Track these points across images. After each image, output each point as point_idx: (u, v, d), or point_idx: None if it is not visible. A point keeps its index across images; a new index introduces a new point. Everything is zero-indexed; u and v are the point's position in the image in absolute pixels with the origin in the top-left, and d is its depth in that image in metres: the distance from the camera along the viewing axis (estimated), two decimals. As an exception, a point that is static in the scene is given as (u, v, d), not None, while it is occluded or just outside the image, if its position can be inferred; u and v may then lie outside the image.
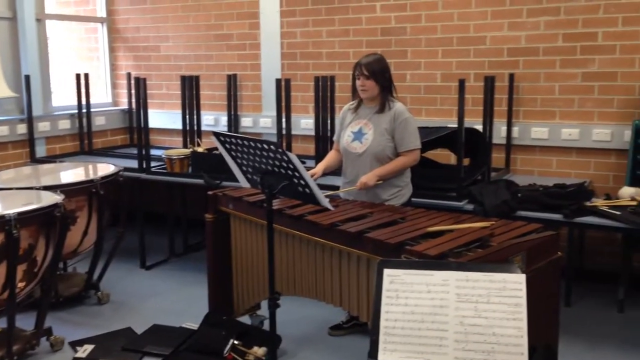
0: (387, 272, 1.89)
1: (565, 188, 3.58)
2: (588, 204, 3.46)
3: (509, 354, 1.72)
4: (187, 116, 5.31)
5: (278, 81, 4.31)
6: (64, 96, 5.72)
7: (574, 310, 3.91)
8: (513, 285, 1.80)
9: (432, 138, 3.89)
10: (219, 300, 3.56)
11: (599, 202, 3.49)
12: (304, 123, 5.10)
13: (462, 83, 3.61)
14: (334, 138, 3.64)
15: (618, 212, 3.29)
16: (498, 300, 1.79)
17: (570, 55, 4.19)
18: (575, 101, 4.22)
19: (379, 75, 3.28)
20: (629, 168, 3.80)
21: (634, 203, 3.35)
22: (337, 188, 3.58)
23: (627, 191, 3.53)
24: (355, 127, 3.41)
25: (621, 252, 3.98)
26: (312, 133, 4.65)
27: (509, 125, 4.35)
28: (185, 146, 5.22)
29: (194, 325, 3.55)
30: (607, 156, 4.16)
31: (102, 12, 5.99)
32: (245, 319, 3.60)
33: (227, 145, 2.79)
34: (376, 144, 3.31)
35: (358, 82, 3.33)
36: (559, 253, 2.58)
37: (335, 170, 3.62)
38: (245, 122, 5.44)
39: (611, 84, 4.10)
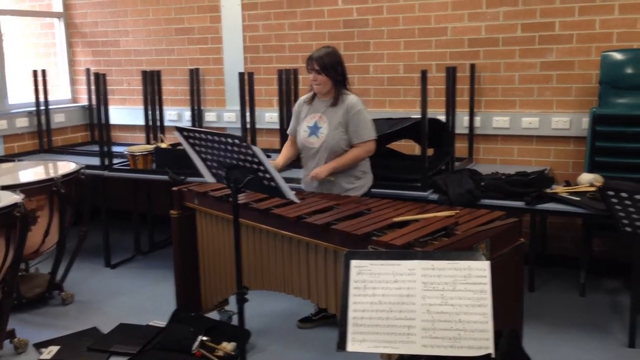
0: (354, 263, 1.90)
1: (526, 176, 3.65)
2: (549, 190, 3.54)
3: (475, 340, 1.74)
4: (150, 112, 5.24)
5: (241, 75, 4.28)
6: (21, 93, 5.57)
7: (538, 295, 4.00)
8: (478, 272, 1.83)
9: (396, 129, 3.92)
10: (187, 297, 3.53)
11: (559, 189, 3.57)
12: (268, 117, 5.08)
13: (424, 74, 3.64)
14: (288, 131, 3.62)
15: (578, 198, 3.37)
16: (463, 287, 1.82)
17: (529, 45, 4.26)
18: (534, 90, 4.30)
19: (330, 70, 3.28)
20: (587, 155, 3.89)
21: (593, 189, 3.43)
22: (299, 181, 3.59)
23: (586, 177, 3.61)
24: (310, 121, 3.42)
25: (581, 237, 4.08)
26: (277, 126, 4.64)
27: (471, 115, 4.40)
28: (148, 142, 5.15)
29: (162, 323, 3.51)
30: (566, 144, 4.25)
31: (58, 7, 5.85)
32: (214, 315, 3.58)
33: (191, 140, 2.76)
34: (331, 138, 3.32)
35: (310, 77, 3.33)
36: (522, 239, 2.63)
37: (298, 163, 3.62)
38: (209, 116, 5.39)
39: (569, 72, 4.19)
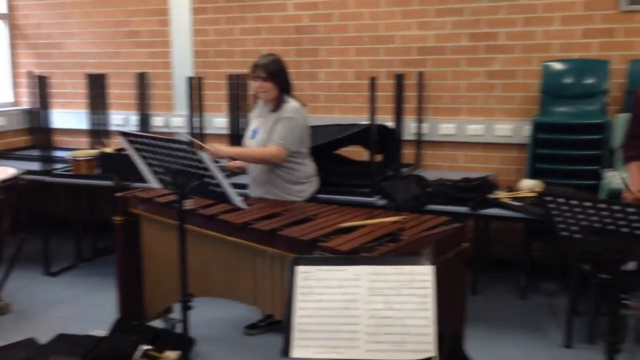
0: (301, 269, 1.90)
1: (471, 182, 3.73)
2: (492, 196, 3.62)
3: (418, 344, 1.76)
4: (94, 116, 5.11)
5: (190, 79, 4.23)
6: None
7: (480, 298, 4.08)
8: (421, 277, 1.85)
9: (345, 135, 3.95)
10: (130, 305, 3.45)
11: (501, 195, 3.66)
12: (218, 122, 5.03)
13: (373, 81, 3.68)
14: None
15: (519, 204, 3.47)
16: (408, 292, 1.83)
17: (474, 54, 4.36)
18: (479, 98, 4.41)
19: (276, 77, 3.29)
20: (528, 161, 4.00)
21: (533, 194, 3.53)
22: (244, 186, 3.57)
23: (527, 183, 3.72)
24: (254, 125, 3.45)
25: (522, 241, 4.19)
26: (226, 132, 4.60)
27: (419, 122, 4.47)
28: (92, 147, 5.02)
29: (103, 333, 3.42)
30: (509, 150, 4.36)
31: (2, 9, 5.66)
32: (158, 323, 3.51)
33: (136, 145, 2.71)
34: (262, 143, 3.34)
35: (256, 84, 3.31)
36: (465, 244, 2.68)
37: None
38: (157, 121, 5.30)
39: (512, 82, 4.31)
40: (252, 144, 3.41)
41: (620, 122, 3.64)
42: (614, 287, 2.15)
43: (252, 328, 3.60)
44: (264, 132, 3.36)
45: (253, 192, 3.48)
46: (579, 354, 3.31)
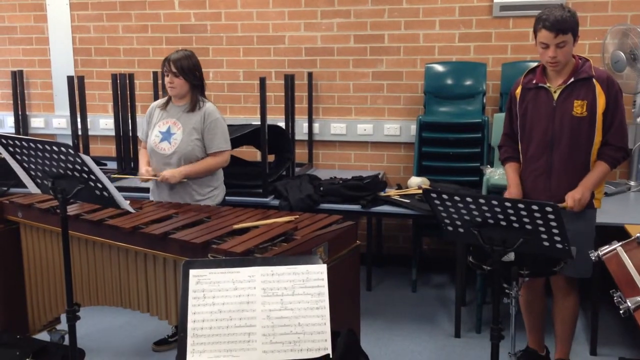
0: (193, 273, 1.86)
1: (362, 180, 3.82)
2: (382, 194, 3.74)
3: (314, 342, 1.79)
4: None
5: (70, 78, 4.02)
6: None
7: (374, 293, 4.20)
8: (316, 276, 1.88)
9: (237, 136, 3.91)
10: (11, 318, 3.23)
11: (391, 192, 3.79)
12: (103, 123, 4.83)
13: (262, 81, 3.68)
14: (141, 136, 3.47)
15: (407, 200, 3.60)
16: (302, 291, 1.85)
17: (361, 55, 4.48)
18: (367, 98, 4.53)
19: (188, 73, 3.20)
20: (415, 159, 4.17)
21: (421, 191, 3.68)
22: (147, 189, 3.45)
23: (414, 181, 3.87)
24: (163, 126, 3.29)
25: (412, 236, 4.36)
26: (112, 133, 4.42)
27: (310, 122, 4.53)
28: (-38, 151, 4.64)
29: (-19, 350, 3.18)
30: (397, 149, 4.52)
31: None
32: (44, 336, 3.32)
33: (11, 149, 2.54)
34: (185, 145, 3.23)
35: (166, 79, 3.22)
36: (358, 242, 2.74)
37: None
38: (36, 122, 5.01)
39: (397, 82, 4.46)
40: (164, 147, 3.24)
41: (497, 121, 3.87)
42: (496, 277, 2.28)
43: (162, 344, 3.42)
44: (184, 134, 3.22)
45: (160, 198, 3.34)
46: (467, 342, 3.49)
